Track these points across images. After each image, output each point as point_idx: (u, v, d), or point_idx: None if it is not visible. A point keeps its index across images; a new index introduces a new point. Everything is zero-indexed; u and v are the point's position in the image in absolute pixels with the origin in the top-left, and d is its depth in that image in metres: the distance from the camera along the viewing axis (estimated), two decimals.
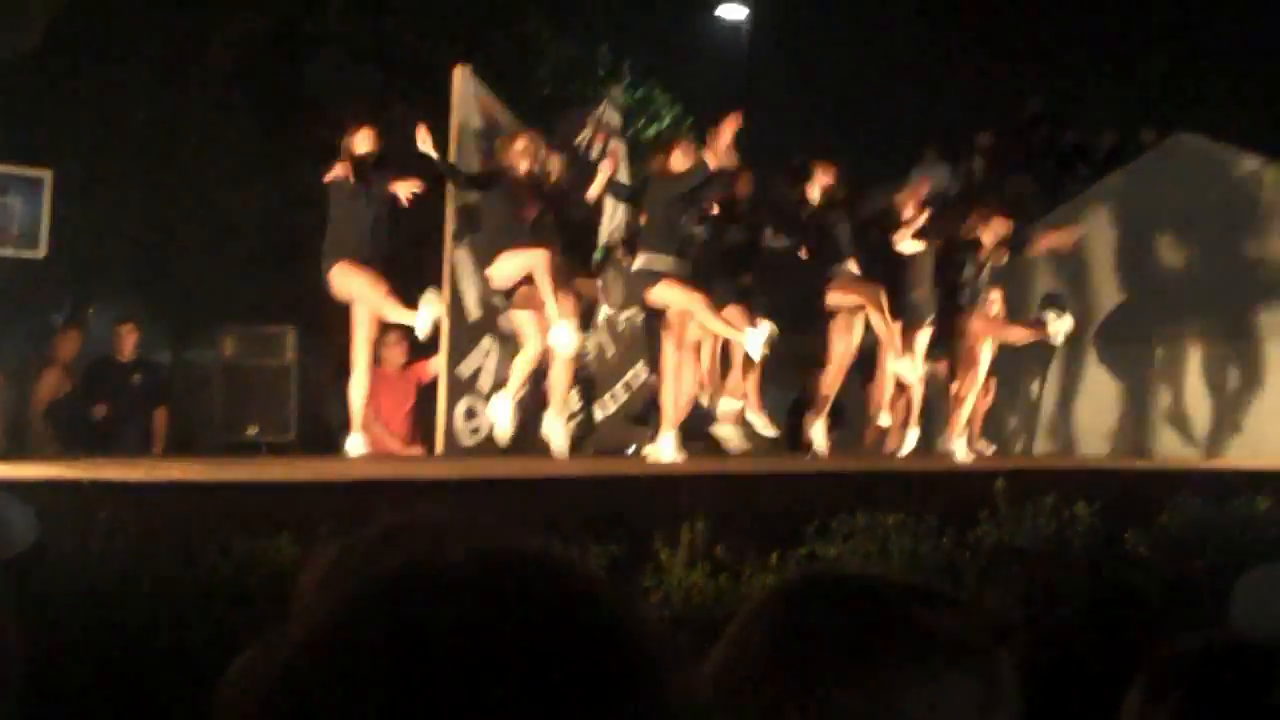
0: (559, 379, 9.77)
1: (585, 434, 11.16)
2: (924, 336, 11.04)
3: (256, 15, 15.19)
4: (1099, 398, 14.36)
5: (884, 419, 11.25)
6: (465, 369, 10.55)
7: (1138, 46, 25.70)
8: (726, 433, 10.49)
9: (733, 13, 24.68)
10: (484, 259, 9.95)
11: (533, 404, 10.08)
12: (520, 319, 9.78)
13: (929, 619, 1.50)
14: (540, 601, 0.96)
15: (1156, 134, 15.42)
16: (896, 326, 10.63)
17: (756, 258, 10.84)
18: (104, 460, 8.32)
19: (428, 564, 0.99)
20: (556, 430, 9.60)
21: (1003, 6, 26.60)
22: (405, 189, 9.74)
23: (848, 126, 23.87)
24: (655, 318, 10.14)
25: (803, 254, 10.70)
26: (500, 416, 9.56)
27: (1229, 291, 13.40)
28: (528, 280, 9.47)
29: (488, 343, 10.62)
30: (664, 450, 9.35)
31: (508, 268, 9.60)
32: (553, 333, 9.38)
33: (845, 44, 27.23)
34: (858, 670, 1.45)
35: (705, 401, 10.46)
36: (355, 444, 9.46)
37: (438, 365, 10.70)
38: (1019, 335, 11.94)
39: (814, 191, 10.64)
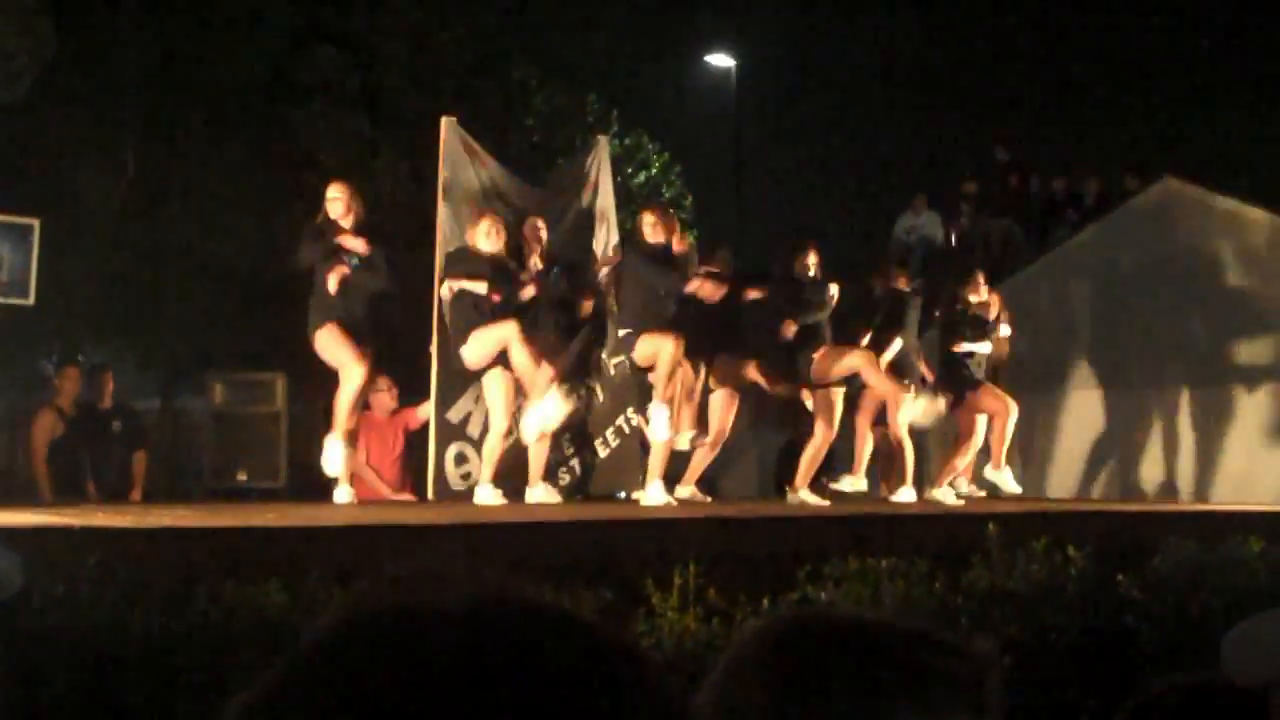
0: (538, 453, 9.76)
1: (577, 479, 11.15)
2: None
3: (246, 63, 15.24)
4: (1087, 443, 14.39)
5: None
6: (455, 414, 10.55)
7: (1125, 93, 25.85)
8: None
9: (721, 61, 24.79)
10: (457, 337, 9.84)
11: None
12: (491, 393, 9.73)
13: (920, 657, 1.52)
14: (535, 645, 0.95)
15: (1142, 180, 15.48)
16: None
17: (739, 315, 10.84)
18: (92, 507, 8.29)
19: (415, 605, 0.98)
20: (541, 496, 9.64)
21: (990, 55, 26.75)
22: (353, 244, 9.50)
23: (836, 174, 23.98)
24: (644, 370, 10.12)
25: (787, 330, 10.61)
26: (488, 499, 9.50)
27: (1215, 335, 13.46)
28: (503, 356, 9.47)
29: (476, 389, 10.61)
30: (652, 496, 9.39)
31: (479, 348, 9.53)
32: (537, 409, 9.40)
33: (833, 92, 27.36)
34: (852, 710, 1.46)
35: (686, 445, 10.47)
36: (343, 494, 9.42)
37: (427, 411, 10.71)
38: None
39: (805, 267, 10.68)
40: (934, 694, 1.49)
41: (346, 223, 9.55)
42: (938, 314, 12.17)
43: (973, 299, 11.49)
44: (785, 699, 1.48)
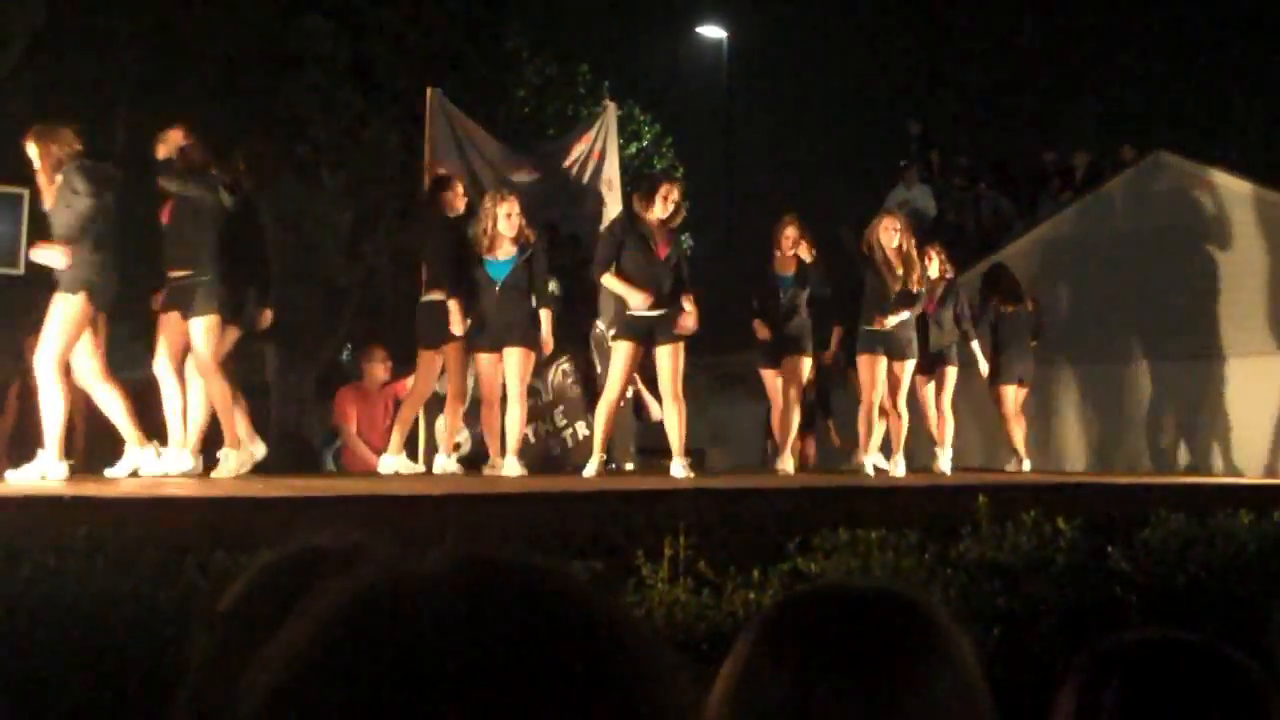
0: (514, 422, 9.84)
1: (568, 450, 11.17)
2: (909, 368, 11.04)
3: (237, 33, 15.18)
4: (1077, 415, 14.42)
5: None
6: (443, 386, 10.54)
7: (1117, 68, 25.84)
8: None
9: (712, 32, 24.74)
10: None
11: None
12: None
13: (937, 622, 1.61)
14: (523, 605, 0.95)
15: (1135, 153, 15.47)
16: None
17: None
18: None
19: (406, 574, 0.98)
20: (513, 468, 9.67)
21: (982, 28, 26.70)
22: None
23: (827, 146, 23.95)
24: None
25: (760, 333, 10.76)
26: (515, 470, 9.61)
27: (1204, 308, 13.48)
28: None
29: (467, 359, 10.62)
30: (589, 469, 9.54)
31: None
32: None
33: (825, 63, 27.31)
34: (863, 672, 1.54)
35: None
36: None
37: None
38: None
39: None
40: (929, 658, 1.57)
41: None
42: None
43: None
44: (808, 667, 1.55)
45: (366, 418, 11.37)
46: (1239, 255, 13.44)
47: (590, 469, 9.46)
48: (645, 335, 9.43)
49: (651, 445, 11.35)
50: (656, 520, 6.28)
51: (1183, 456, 13.53)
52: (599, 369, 11.15)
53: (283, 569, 1.70)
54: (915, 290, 10.78)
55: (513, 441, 9.69)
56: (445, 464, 9.91)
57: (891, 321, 10.60)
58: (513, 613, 0.94)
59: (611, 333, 11.20)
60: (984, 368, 12.01)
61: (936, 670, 1.56)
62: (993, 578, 6.44)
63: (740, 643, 1.61)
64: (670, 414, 9.56)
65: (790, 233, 10.69)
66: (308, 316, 16.03)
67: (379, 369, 11.48)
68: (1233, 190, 13.65)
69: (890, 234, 10.73)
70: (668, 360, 9.48)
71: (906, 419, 11.03)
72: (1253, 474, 12.71)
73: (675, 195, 9.59)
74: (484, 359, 9.92)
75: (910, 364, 10.94)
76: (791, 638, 1.57)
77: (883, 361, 10.68)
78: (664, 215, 9.54)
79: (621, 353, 9.46)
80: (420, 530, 5.83)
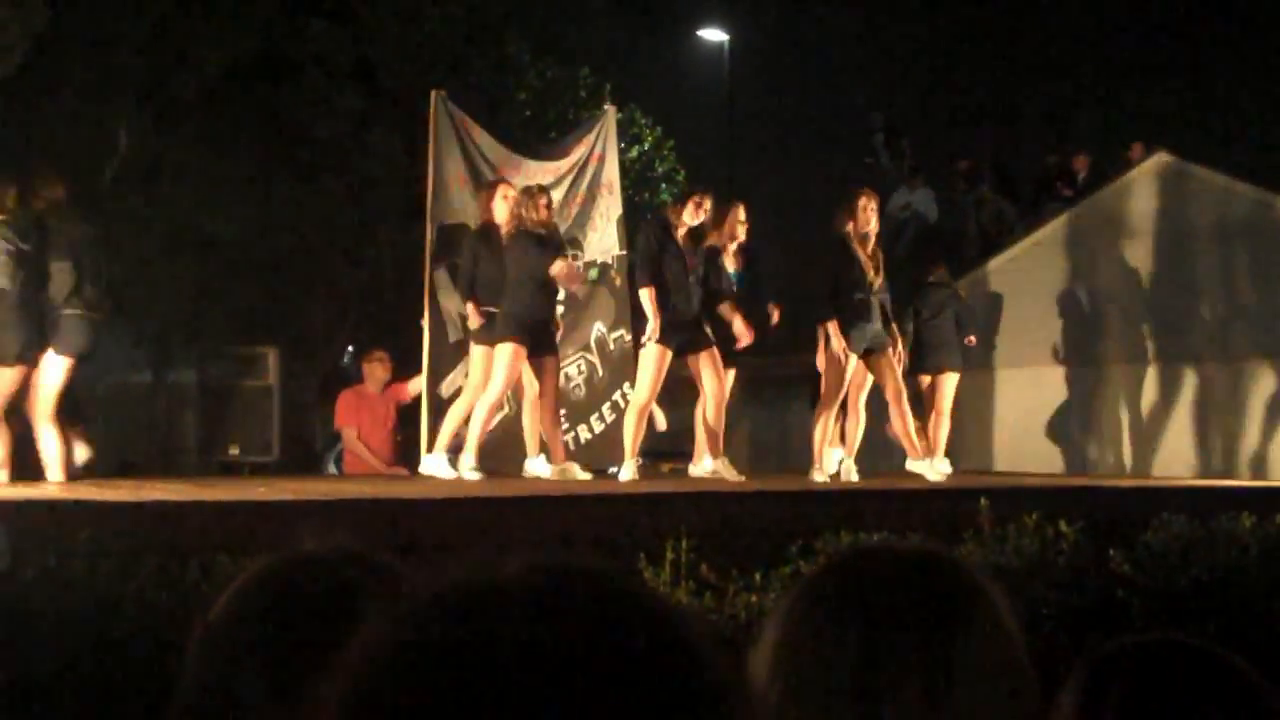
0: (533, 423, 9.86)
1: (571, 453, 11.16)
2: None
3: (238, 37, 15.18)
4: (1078, 418, 14.42)
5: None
6: (446, 388, 10.56)
7: (1119, 70, 25.82)
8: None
9: (714, 35, 24.73)
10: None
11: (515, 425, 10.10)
12: (476, 358, 9.81)
13: (969, 579, 1.68)
14: (602, 615, 0.96)
15: (1144, 151, 15.43)
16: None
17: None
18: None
19: (485, 581, 0.99)
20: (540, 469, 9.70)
21: (985, 32, 26.69)
22: None
23: (829, 149, 23.93)
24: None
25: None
26: (454, 472, 9.56)
27: (1204, 311, 13.48)
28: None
29: (466, 364, 10.63)
30: (625, 473, 9.54)
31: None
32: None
33: (827, 66, 27.29)
34: (924, 627, 1.59)
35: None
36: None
37: (418, 385, 10.73)
38: None
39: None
40: (979, 614, 1.63)
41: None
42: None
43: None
44: (851, 624, 1.58)
45: (368, 421, 11.37)
46: (1239, 257, 13.44)
47: (626, 473, 9.51)
48: (678, 343, 9.45)
49: (653, 449, 11.37)
50: (658, 523, 6.29)
51: (1188, 459, 13.52)
52: (600, 372, 11.15)
53: (271, 577, 1.70)
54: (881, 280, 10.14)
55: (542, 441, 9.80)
56: (536, 466, 9.90)
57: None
58: (593, 619, 0.95)
59: (614, 336, 11.22)
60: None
61: (981, 625, 1.61)
62: (994, 581, 6.44)
63: (786, 610, 1.63)
64: (710, 414, 9.63)
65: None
66: (309, 320, 16.04)
67: (380, 371, 11.48)
68: (1232, 192, 13.65)
69: (869, 215, 10.06)
70: (708, 368, 9.57)
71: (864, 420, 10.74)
72: (1255, 477, 12.70)
73: (707, 205, 9.62)
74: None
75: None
76: (853, 597, 1.60)
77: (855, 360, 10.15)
78: (693, 222, 9.56)
79: (654, 358, 9.45)
80: (421, 535, 5.83)
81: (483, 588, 0.98)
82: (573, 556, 1.03)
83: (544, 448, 9.92)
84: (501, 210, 9.85)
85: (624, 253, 11.19)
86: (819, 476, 9.95)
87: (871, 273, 9.93)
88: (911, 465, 10.31)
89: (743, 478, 9.58)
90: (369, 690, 0.94)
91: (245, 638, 1.61)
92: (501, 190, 10.01)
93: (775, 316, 10.70)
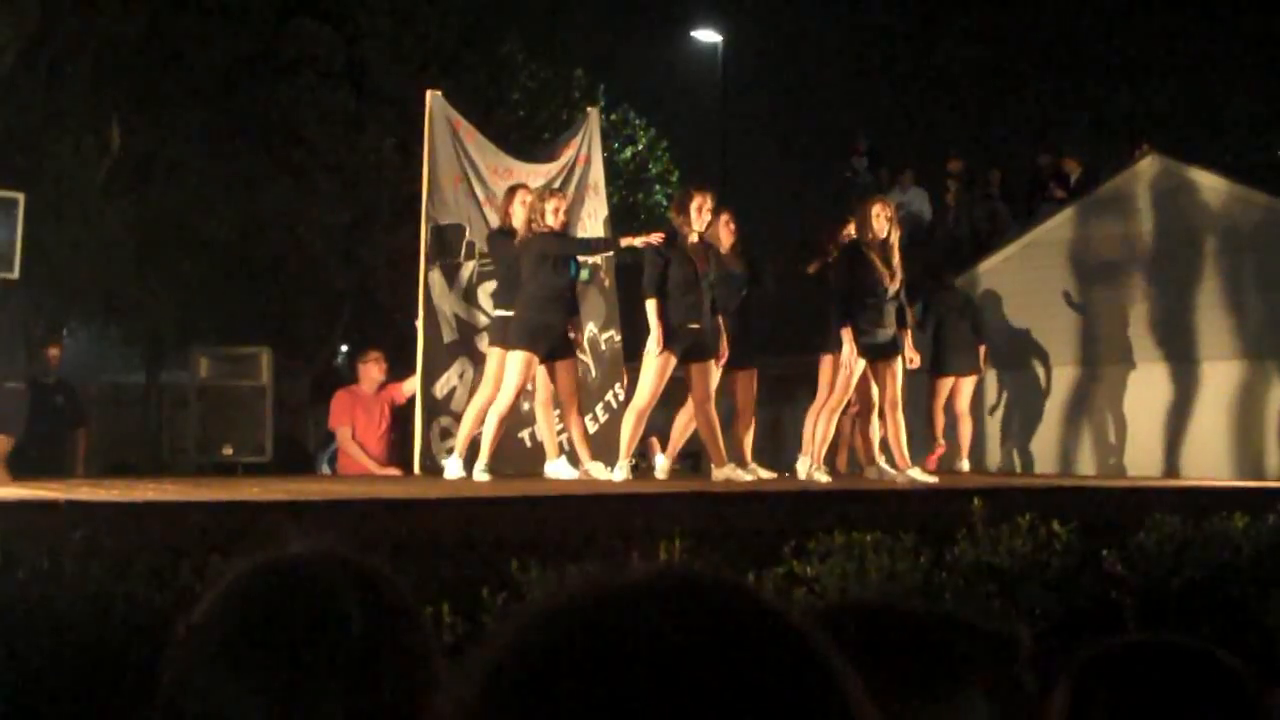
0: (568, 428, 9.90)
1: (565, 454, 11.16)
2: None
3: (232, 38, 15.19)
4: (1071, 419, 14.43)
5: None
6: (440, 389, 10.56)
7: (1109, 72, 25.86)
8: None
9: (707, 36, 24.74)
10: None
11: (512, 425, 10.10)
12: (489, 359, 9.84)
13: (943, 640, 1.60)
14: (733, 619, 0.98)
15: (1129, 156, 15.44)
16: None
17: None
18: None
19: (611, 586, 1.00)
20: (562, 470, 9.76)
21: (976, 33, 26.71)
22: None
23: (822, 150, 23.94)
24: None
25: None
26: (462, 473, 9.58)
27: (1197, 312, 13.50)
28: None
29: (462, 364, 10.64)
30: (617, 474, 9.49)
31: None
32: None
33: (820, 67, 27.31)
34: (876, 691, 1.49)
35: None
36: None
37: (413, 386, 10.73)
38: None
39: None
40: (955, 675, 1.57)
41: None
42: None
43: None
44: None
45: (362, 421, 11.36)
46: (1231, 258, 13.46)
47: (619, 473, 9.48)
48: (683, 349, 9.42)
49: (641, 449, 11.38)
50: (651, 524, 6.29)
51: (1180, 459, 13.53)
52: (593, 372, 11.16)
53: (255, 579, 1.69)
54: (896, 287, 9.91)
55: (578, 445, 9.84)
56: (558, 468, 9.92)
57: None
58: (719, 626, 0.96)
59: (606, 336, 11.22)
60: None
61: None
62: (988, 581, 6.44)
63: None
64: (703, 424, 9.64)
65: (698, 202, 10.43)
66: (303, 320, 16.04)
67: (375, 371, 11.48)
68: (1225, 193, 13.67)
69: (882, 222, 9.81)
70: (700, 376, 9.54)
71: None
72: (1246, 477, 12.71)
73: (709, 205, 9.53)
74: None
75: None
76: None
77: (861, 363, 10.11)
78: (701, 229, 9.52)
79: (658, 363, 9.42)
80: (415, 535, 5.83)
81: (613, 591, 0.99)
82: (700, 562, 1.05)
83: (562, 449, 9.96)
84: (519, 215, 9.83)
85: (613, 254, 11.17)
86: (819, 475, 9.90)
87: (887, 279, 9.74)
88: (895, 475, 10.20)
89: (663, 477, 9.70)
90: (502, 695, 0.94)
91: (228, 640, 1.61)
92: (520, 195, 10.00)
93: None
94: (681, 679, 0.92)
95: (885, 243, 9.78)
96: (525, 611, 1.00)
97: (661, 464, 10.07)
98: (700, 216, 9.44)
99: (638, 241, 9.80)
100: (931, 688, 1.54)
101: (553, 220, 9.55)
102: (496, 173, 11.05)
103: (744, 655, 0.94)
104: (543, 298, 9.43)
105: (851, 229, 10.09)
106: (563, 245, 9.68)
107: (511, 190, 10.21)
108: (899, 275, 9.84)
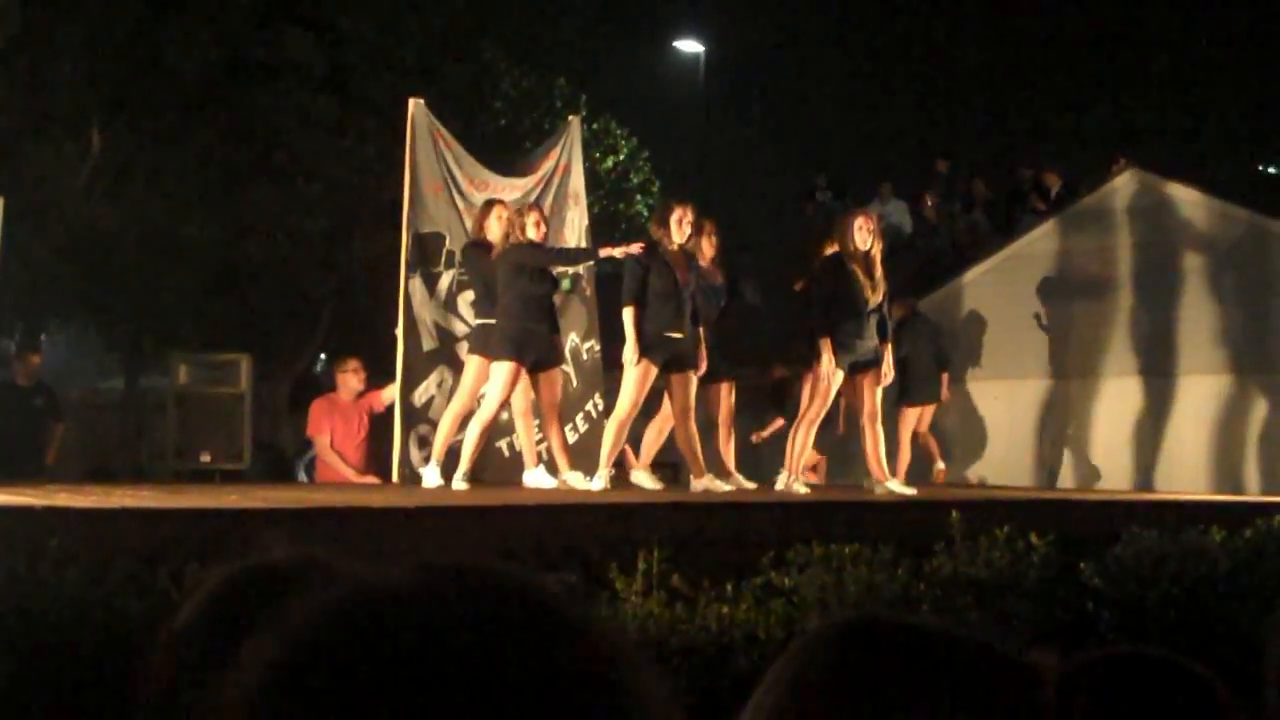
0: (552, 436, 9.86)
1: (544, 463, 11.15)
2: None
3: (212, 44, 15.15)
4: (1050, 432, 14.46)
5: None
6: (419, 398, 10.55)
7: (1091, 80, 25.93)
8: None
9: (689, 46, 24.78)
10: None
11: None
12: (467, 367, 9.82)
13: (978, 669, 1.55)
14: (495, 612, 0.95)
15: (1107, 171, 15.50)
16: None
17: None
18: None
19: (374, 586, 0.98)
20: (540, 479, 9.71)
21: (957, 45, 26.78)
22: None
23: (803, 161, 23.97)
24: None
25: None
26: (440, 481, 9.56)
27: (1175, 325, 13.54)
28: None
29: (441, 373, 10.63)
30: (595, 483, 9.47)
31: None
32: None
33: (801, 78, 27.35)
34: (913, 713, 1.49)
35: None
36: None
37: (391, 394, 10.72)
38: None
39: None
40: (990, 705, 1.52)
41: None
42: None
43: None
44: (845, 703, 1.50)
45: (340, 429, 11.34)
46: (1211, 272, 13.51)
47: (597, 482, 9.46)
48: (663, 359, 9.43)
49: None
50: (630, 534, 6.29)
51: (1158, 473, 13.57)
52: (574, 382, 11.15)
53: (236, 586, 1.69)
54: (879, 299, 9.86)
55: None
56: (536, 478, 9.88)
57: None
58: (485, 620, 0.94)
59: (587, 346, 11.22)
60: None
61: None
62: (965, 593, 6.46)
63: (779, 665, 1.56)
64: (681, 435, 9.65)
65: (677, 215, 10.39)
66: (282, 326, 16.00)
67: (353, 380, 11.45)
68: (1203, 208, 13.72)
69: (864, 235, 9.77)
70: (680, 387, 9.55)
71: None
72: (1223, 491, 12.75)
73: (689, 218, 9.53)
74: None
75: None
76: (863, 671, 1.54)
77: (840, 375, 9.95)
78: (682, 240, 9.51)
79: (638, 374, 9.41)
80: (392, 543, 5.82)
81: (368, 596, 0.97)
82: (462, 560, 1.03)
83: (541, 459, 9.95)
84: (495, 229, 9.82)
85: (594, 264, 11.15)
86: (798, 486, 9.86)
87: (869, 291, 9.70)
88: (873, 486, 10.14)
89: (659, 486, 9.62)
90: (260, 706, 0.92)
91: (209, 645, 1.60)
92: (497, 210, 9.99)
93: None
94: (445, 677, 0.90)
95: (868, 255, 9.74)
96: (281, 620, 0.98)
97: (642, 477, 9.96)
98: (680, 230, 9.44)
99: (617, 251, 9.81)
100: (967, 717, 1.52)
101: (534, 233, 9.55)
102: (474, 184, 11.05)
103: (510, 655, 0.92)
104: (521, 306, 9.42)
105: (835, 246, 10.09)
106: (539, 256, 9.68)
107: (488, 204, 10.20)
108: (881, 287, 9.81)
